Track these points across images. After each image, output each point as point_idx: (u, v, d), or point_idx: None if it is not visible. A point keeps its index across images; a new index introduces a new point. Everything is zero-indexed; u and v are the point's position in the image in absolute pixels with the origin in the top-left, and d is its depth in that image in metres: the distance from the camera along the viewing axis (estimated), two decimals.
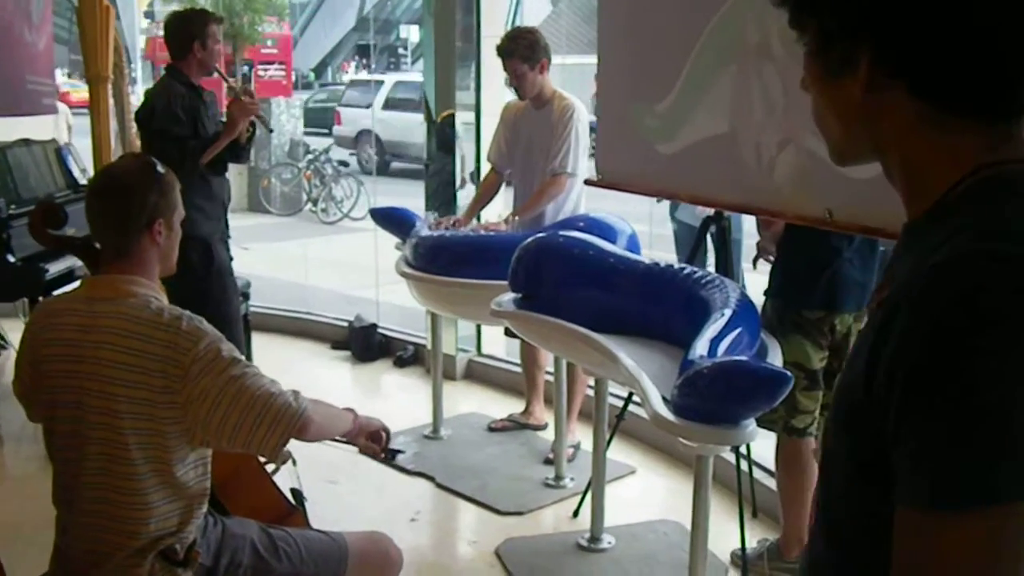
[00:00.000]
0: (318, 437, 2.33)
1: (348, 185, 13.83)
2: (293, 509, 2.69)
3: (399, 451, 2.57)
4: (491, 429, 5.01)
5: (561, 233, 3.64)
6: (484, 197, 4.85)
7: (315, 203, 13.89)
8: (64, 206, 2.71)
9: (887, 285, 1.06)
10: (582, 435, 4.76)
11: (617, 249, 3.59)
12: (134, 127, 4.86)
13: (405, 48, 35.27)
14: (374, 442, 2.53)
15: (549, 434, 4.94)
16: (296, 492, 2.80)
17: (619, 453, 4.56)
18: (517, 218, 4.42)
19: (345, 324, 6.61)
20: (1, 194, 5.19)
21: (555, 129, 4.51)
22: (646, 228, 6.93)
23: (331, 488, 4.34)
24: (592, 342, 3.07)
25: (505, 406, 5.38)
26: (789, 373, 2.47)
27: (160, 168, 2.39)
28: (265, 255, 10.12)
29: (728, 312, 2.99)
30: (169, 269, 2.43)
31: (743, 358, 2.63)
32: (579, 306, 3.35)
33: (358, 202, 13.38)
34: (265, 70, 26.06)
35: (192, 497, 2.27)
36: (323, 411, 2.34)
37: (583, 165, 4.61)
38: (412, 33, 35.57)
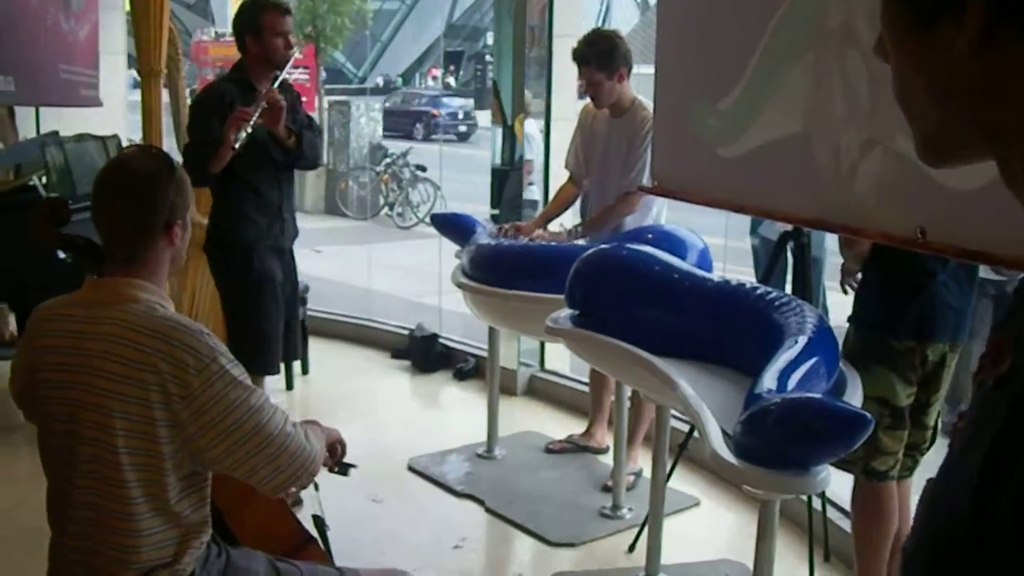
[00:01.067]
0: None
1: (425, 190, 13.70)
2: (309, 540, 2.45)
3: (351, 465, 2.32)
4: (549, 451, 4.74)
5: (625, 246, 3.36)
6: (558, 207, 4.58)
7: (391, 207, 13.77)
8: None
9: (1006, 345, 0.74)
10: (646, 462, 4.47)
11: (685, 265, 3.30)
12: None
13: (492, 55, 35.15)
14: (329, 454, 2.27)
15: (609, 459, 4.66)
16: (318, 520, 2.56)
17: (683, 483, 4.27)
18: (579, 231, 4.15)
19: (406, 332, 6.39)
20: (59, 190, 5.08)
21: (633, 141, 4.23)
22: (721, 241, 6.64)
23: (373, 508, 4.11)
24: (650, 366, 2.79)
25: (566, 426, 5.11)
26: (870, 415, 2.16)
27: (175, 161, 2.18)
28: (337, 259, 10.00)
29: (803, 340, 2.69)
30: (178, 270, 2.23)
31: (816, 395, 2.33)
32: (639, 326, 3.08)
33: (434, 207, 13.24)
34: (290, 74, 28.73)
35: (190, 526, 2.04)
36: (323, 446, 2.13)
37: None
38: None
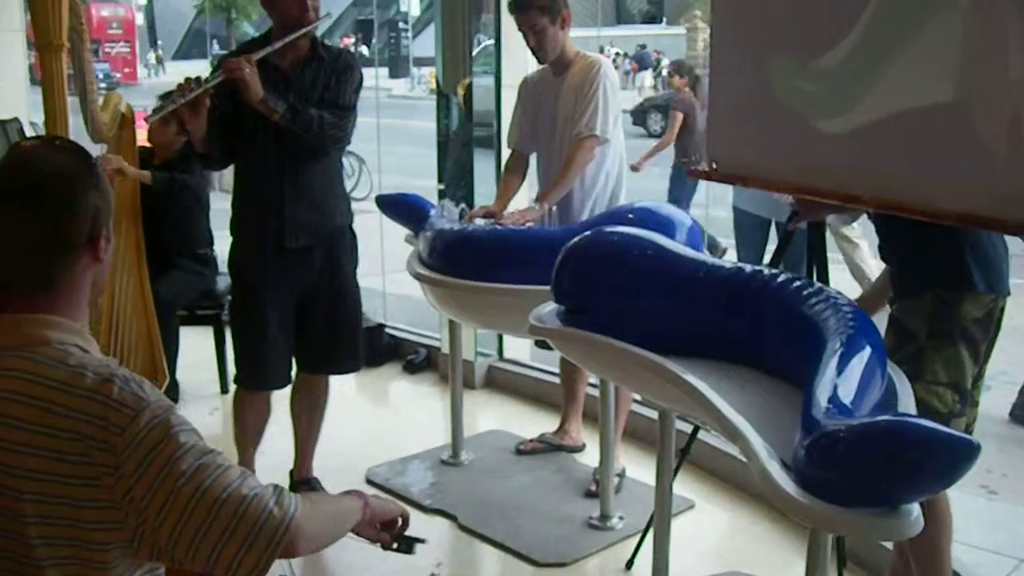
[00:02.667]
0: (314, 548, 1.63)
1: (349, 164, 13.07)
2: None
3: (419, 540, 1.87)
4: (520, 452, 4.31)
5: (614, 230, 2.92)
6: (512, 185, 4.12)
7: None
8: None
9: None
10: (627, 459, 4.07)
11: (687, 249, 2.87)
12: (100, 100, 4.11)
13: (406, 22, 34.43)
14: (387, 530, 1.83)
15: (587, 458, 4.26)
16: None
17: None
18: (547, 205, 3.70)
19: None
20: None
21: (580, 91, 3.84)
22: (699, 212, 6.23)
23: None
24: (668, 374, 2.37)
25: (533, 421, 4.69)
26: (976, 440, 1.76)
27: (90, 155, 1.69)
28: None
29: (846, 339, 2.28)
30: (99, 294, 1.75)
31: (906, 417, 1.91)
32: (642, 322, 2.66)
33: (359, 181, 12.72)
34: (112, 47, 30.41)
35: None
36: (321, 512, 1.66)
37: (617, 132, 3.91)
38: (412, 6, 34.95)
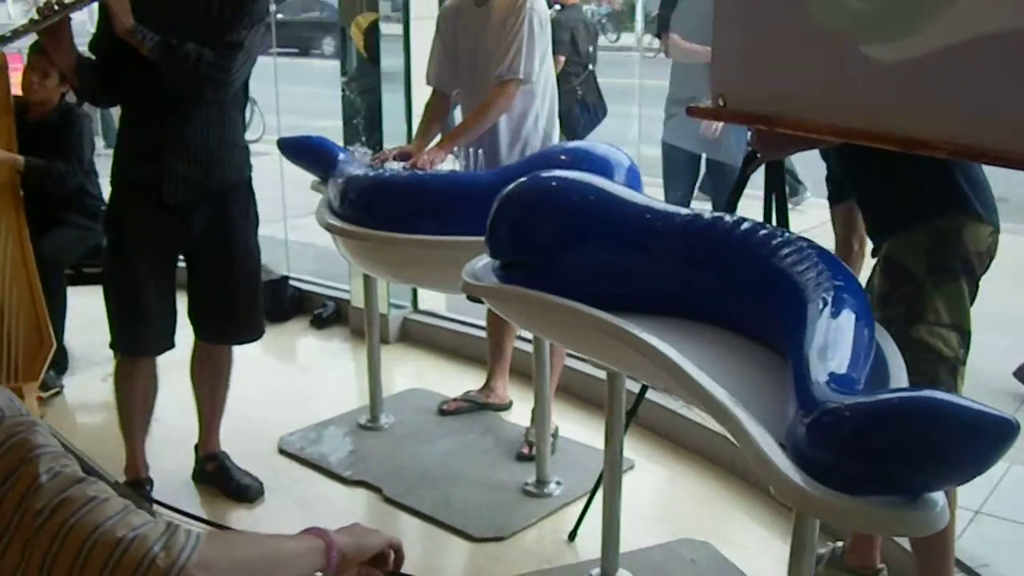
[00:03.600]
0: None
1: None
2: None
3: None
4: (443, 412, 4.01)
5: (553, 175, 2.61)
6: (432, 127, 3.76)
7: None
8: None
9: None
10: (559, 416, 3.81)
11: (635, 193, 2.59)
12: None
13: None
14: (379, 565, 1.46)
15: (515, 416, 3.99)
16: None
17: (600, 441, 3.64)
18: (470, 150, 3.37)
19: None
20: None
21: (503, 25, 3.49)
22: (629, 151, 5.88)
23: (245, 514, 3.33)
24: (632, 339, 2.09)
25: (453, 377, 4.40)
26: (1015, 418, 1.51)
27: None
28: None
29: (831, 297, 2.03)
30: None
31: (928, 393, 1.65)
32: (591, 276, 2.38)
33: (251, 123, 12.18)
34: None
35: None
36: (240, 557, 1.25)
37: (546, 70, 3.59)
38: None
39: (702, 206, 6.04)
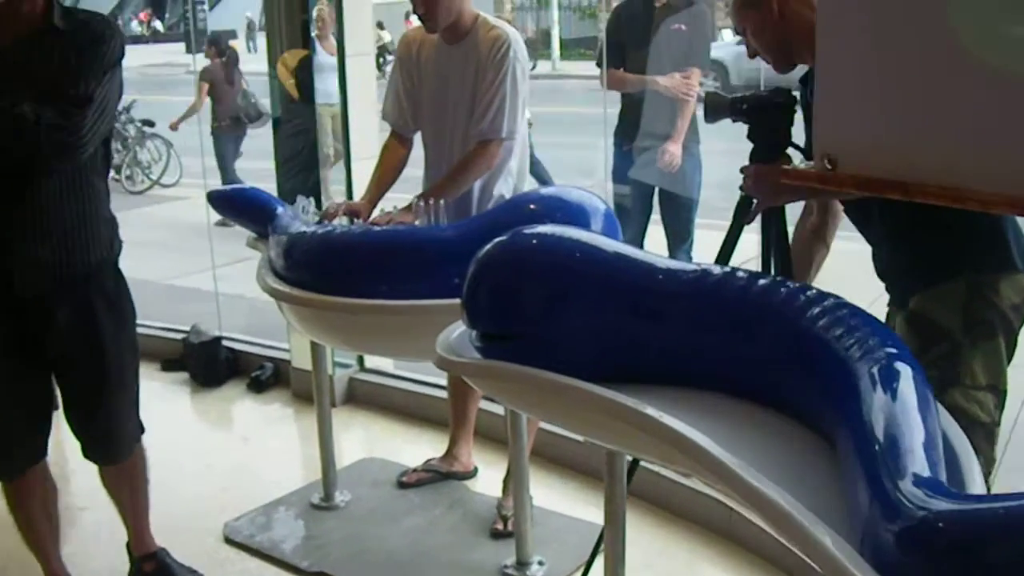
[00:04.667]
0: None
1: (156, 148, 12.05)
2: None
3: None
4: (403, 485, 3.66)
5: (533, 232, 2.28)
6: (388, 174, 3.41)
7: (118, 170, 12.02)
8: None
9: None
10: (543, 486, 3.47)
11: (629, 248, 2.29)
12: None
13: None
14: None
15: (482, 485, 3.66)
16: None
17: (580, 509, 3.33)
18: (431, 203, 3.04)
19: (179, 337, 5.08)
20: None
21: (482, 72, 3.16)
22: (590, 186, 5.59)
23: None
24: (660, 428, 1.79)
25: (408, 443, 4.07)
26: None
27: None
28: None
29: (884, 370, 1.75)
30: None
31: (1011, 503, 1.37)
32: (588, 346, 2.08)
33: (168, 166, 11.79)
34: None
35: None
36: None
37: (523, 122, 3.28)
38: None
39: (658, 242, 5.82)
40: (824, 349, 1.87)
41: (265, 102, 7.18)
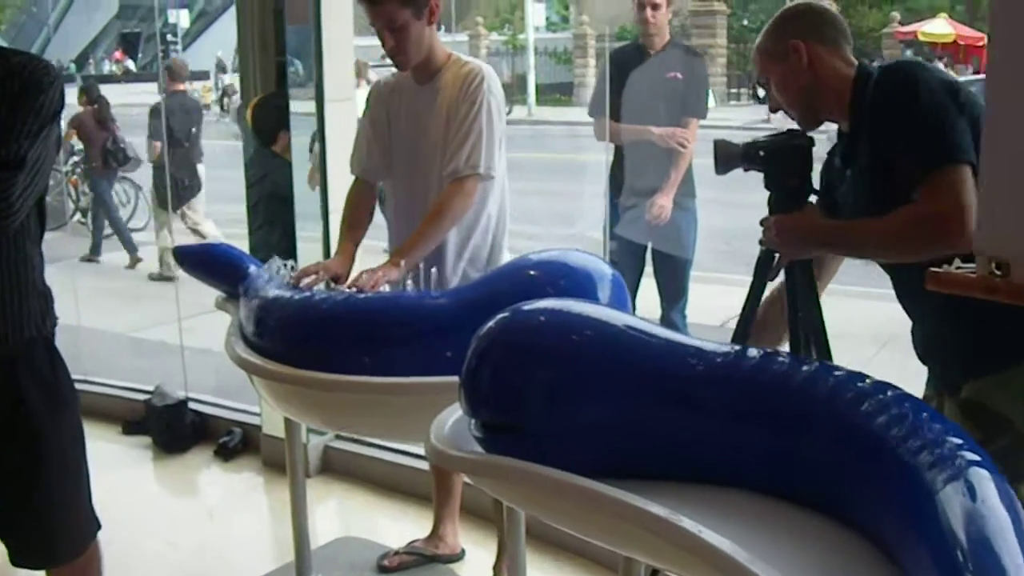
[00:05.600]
0: None
1: (124, 191, 11.72)
2: None
3: None
4: (384, 569, 3.35)
5: (538, 307, 2.00)
6: (359, 226, 3.13)
7: (84, 214, 11.69)
8: None
9: None
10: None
11: (649, 324, 2.02)
12: None
13: (175, 35, 32.62)
14: None
15: (469, 568, 3.36)
16: None
17: None
18: (419, 265, 2.76)
19: (141, 398, 4.76)
20: None
21: (455, 107, 2.91)
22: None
23: None
24: (711, 552, 1.51)
25: (389, 519, 3.77)
26: None
27: None
28: None
29: (966, 481, 1.49)
30: None
31: None
32: (606, 441, 1.83)
33: (137, 209, 11.44)
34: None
35: None
36: None
37: (501, 160, 3.02)
38: (182, 18, 33.60)
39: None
40: (885, 450, 1.61)
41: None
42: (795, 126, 2.27)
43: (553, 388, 1.84)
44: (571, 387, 1.84)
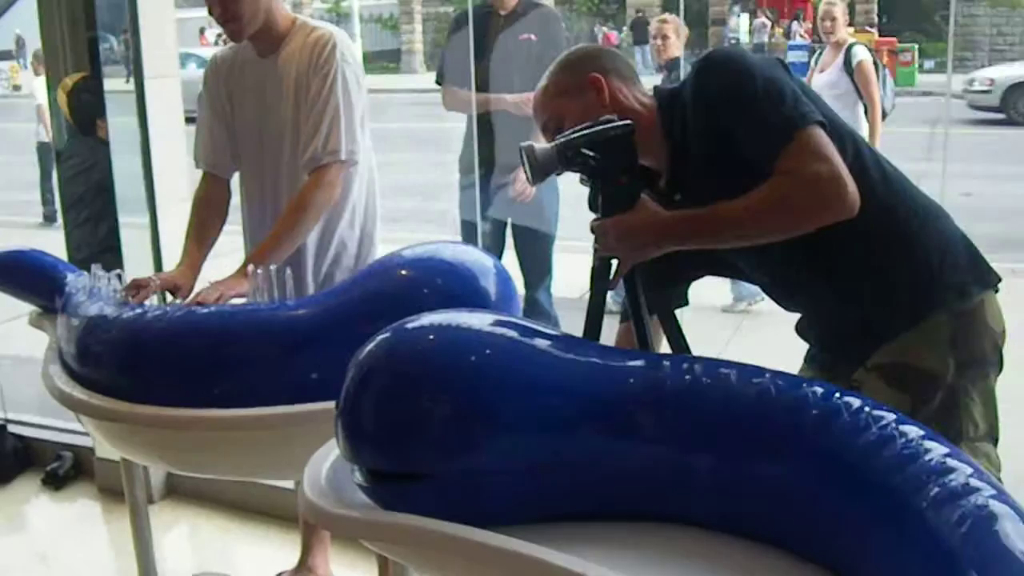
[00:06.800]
0: None
1: None
2: None
3: None
4: None
5: (418, 325, 1.62)
6: (208, 230, 2.68)
7: None
8: None
9: None
10: None
11: (559, 332, 1.68)
12: None
13: None
14: None
15: None
16: None
17: None
18: (271, 270, 2.35)
19: None
20: None
21: (305, 83, 2.53)
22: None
23: None
24: None
25: (246, 547, 3.35)
26: None
27: None
28: None
29: (988, 517, 1.23)
30: None
31: None
32: (524, 482, 1.52)
33: None
34: None
35: None
36: None
37: (364, 139, 2.64)
38: None
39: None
40: (866, 474, 1.35)
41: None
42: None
43: (458, 425, 1.50)
44: (480, 421, 1.50)
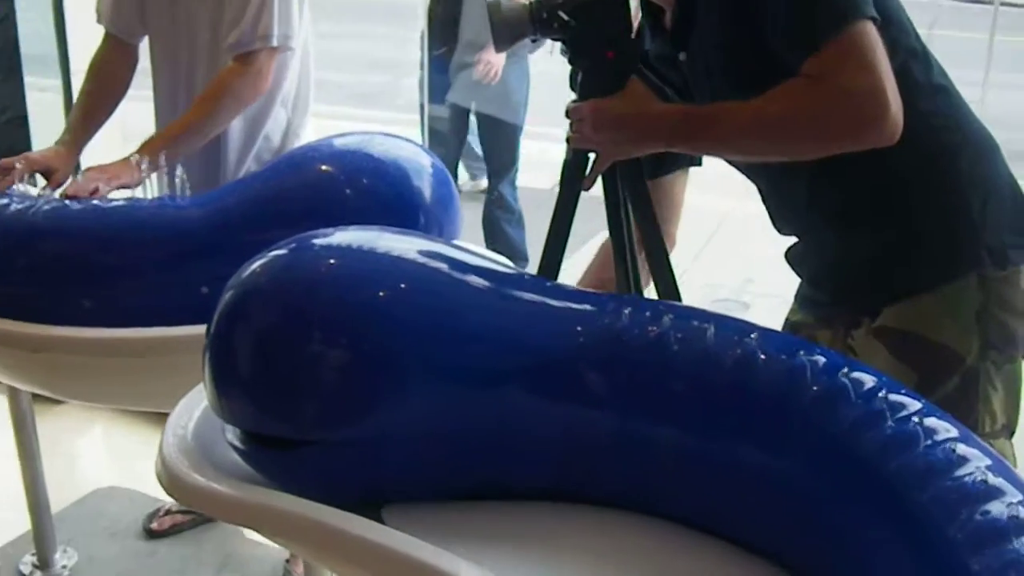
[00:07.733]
0: None
1: None
2: None
3: None
4: (152, 533, 2.65)
5: (320, 243, 1.26)
6: (100, 103, 2.27)
7: None
8: None
9: None
10: None
11: (497, 263, 1.34)
12: None
13: None
14: None
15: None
16: None
17: None
18: (163, 158, 1.95)
19: None
20: None
21: None
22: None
23: None
24: None
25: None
26: None
27: None
28: None
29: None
30: None
31: None
32: (450, 455, 1.23)
33: None
34: None
35: None
36: None
37: (302, 24, 2.24)
38: None
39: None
40: (905, 509, 1.02)
41: None
42: None
43: (357, 377, 1.16)
44: (385, 373, 1.17)
